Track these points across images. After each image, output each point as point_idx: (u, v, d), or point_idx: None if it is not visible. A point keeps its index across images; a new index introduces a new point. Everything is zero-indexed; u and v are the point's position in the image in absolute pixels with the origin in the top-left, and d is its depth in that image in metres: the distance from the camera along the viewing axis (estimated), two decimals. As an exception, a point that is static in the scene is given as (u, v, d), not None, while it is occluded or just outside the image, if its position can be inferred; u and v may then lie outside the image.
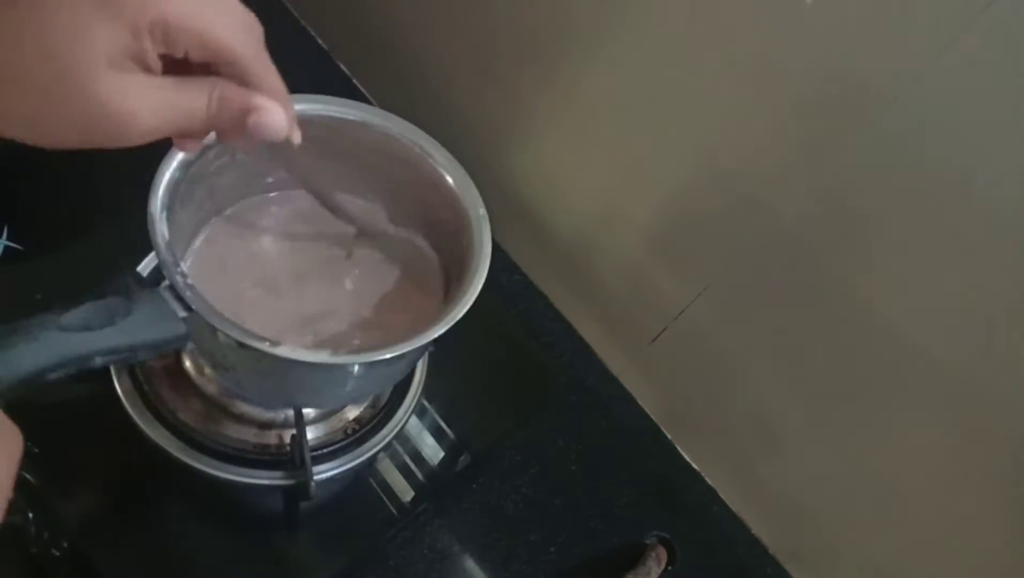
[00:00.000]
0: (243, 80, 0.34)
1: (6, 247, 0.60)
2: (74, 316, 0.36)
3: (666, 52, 0.57)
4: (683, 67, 0.56)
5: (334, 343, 0.52)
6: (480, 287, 0.48)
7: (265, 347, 0.41)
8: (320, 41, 0.84)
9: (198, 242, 0.53)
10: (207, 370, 0.56)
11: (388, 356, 0.45)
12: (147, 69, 0.31)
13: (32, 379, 0.33)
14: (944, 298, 0.50)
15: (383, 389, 0.61)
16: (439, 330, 0.46)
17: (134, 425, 0.53)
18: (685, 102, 0.58)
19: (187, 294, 0.40)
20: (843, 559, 0.66)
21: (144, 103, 0.31)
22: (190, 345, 0.44)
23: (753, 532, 0.70)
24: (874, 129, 0.48)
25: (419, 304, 0.55)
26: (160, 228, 0.43)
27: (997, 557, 0.55)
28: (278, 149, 0.50)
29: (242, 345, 0.41)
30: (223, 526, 0.56)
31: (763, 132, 0.54)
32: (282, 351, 0.41)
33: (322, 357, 0.43)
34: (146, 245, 0.42)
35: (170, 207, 0.45)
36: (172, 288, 0.40)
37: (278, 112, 0.34)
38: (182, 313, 0.40)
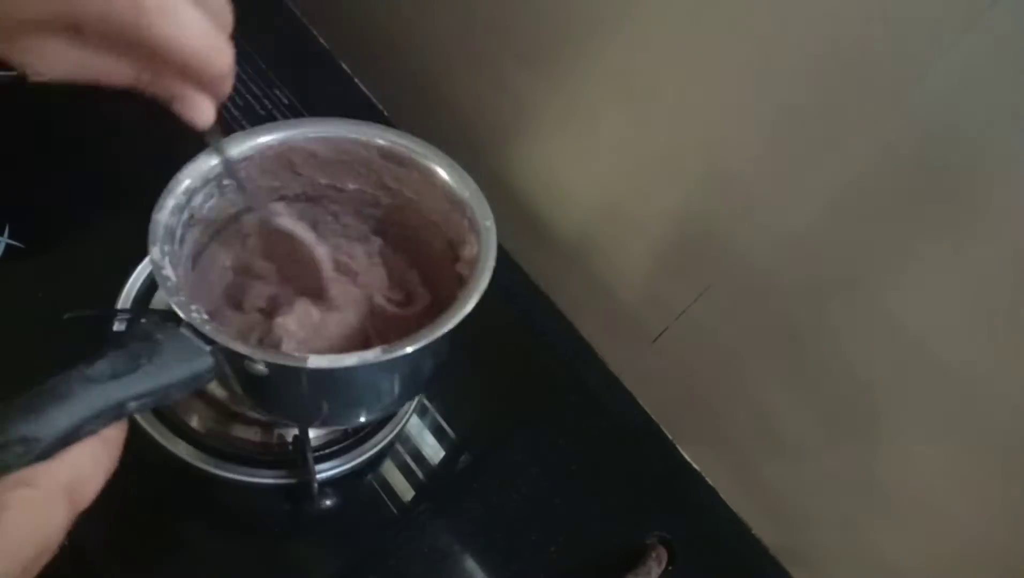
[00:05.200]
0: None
1: (7, 245, 0.60)
2: (100, 367, 0.36)
3: (668, 53, 0.57)
4: (685, 67, 0.57)
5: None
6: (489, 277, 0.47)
7: (293, 362, 0.41)
8: (322, 41, 0.84)
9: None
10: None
11: (410, 349, 0.43)
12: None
13: (70, 436, 0.33)
14: (947, 299, 0.50)
15: (413, 396, 0.59)
16: (457, 317, 0.45)
17: (136, 424, 0.53)
18: (687, 102, 0.58)
19: (206, 329, 0.40)
20: (843, 559, 0.66)
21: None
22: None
23: (753, 532, 0.70)
24: (876, 129, 0.48)
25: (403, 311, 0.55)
26: (167, 273, 0.42)
27: (997, 558, 0.55)
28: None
29: (271, 365, 0.41)
30: (224, 525, 0.57)
31: (765, 132, 0.54)
32: (315, 361, 0.41)
33: (352, 360, 0.42)
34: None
35: (169, 246, 0.44)
36: (191, 327, 0.40)
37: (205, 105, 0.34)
38: (207, 348, 0.40)
